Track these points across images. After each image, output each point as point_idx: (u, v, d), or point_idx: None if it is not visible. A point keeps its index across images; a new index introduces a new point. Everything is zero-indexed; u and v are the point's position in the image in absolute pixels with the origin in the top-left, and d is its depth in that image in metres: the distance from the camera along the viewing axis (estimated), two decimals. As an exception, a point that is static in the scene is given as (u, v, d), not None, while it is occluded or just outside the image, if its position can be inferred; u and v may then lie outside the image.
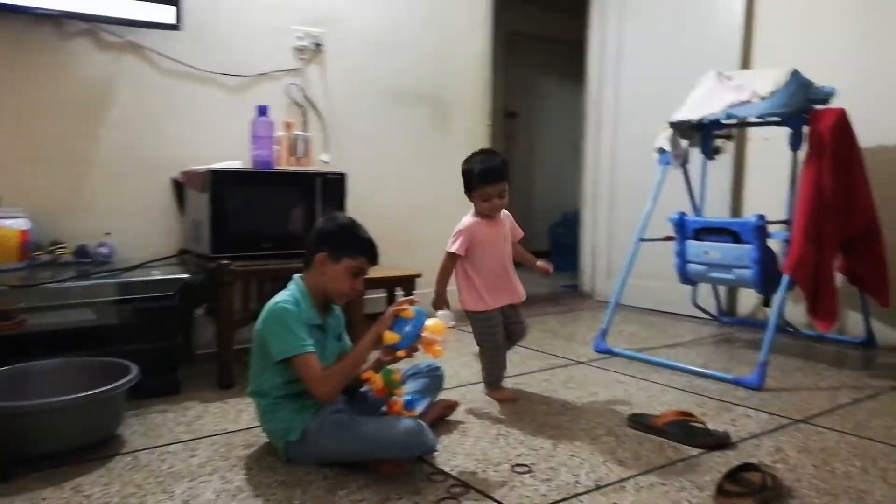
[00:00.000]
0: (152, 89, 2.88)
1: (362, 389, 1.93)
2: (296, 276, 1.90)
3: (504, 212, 2.32)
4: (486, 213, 2.26)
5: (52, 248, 2.56)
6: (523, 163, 6.25)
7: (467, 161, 2.28)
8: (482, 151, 2.34)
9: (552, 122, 6.51)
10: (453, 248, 2.26)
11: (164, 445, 1.93)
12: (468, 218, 2.30)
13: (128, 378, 1.93)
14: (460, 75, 3.85)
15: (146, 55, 2.85)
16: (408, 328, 1.79)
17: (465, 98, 3.89)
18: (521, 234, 2.39)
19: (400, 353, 1.82)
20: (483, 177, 2.21)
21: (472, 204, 2.31)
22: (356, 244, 1.86)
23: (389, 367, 1.85)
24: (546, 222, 6.10)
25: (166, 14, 2.75)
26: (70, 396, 1.79)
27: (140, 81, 2.85)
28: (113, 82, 2.80)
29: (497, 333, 2.33)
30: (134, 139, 2.85)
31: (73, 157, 2.74)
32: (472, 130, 3.93)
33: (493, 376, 2.39)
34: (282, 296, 1.83)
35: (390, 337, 1.78)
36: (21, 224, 2.43)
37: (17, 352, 2.09)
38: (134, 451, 1.88)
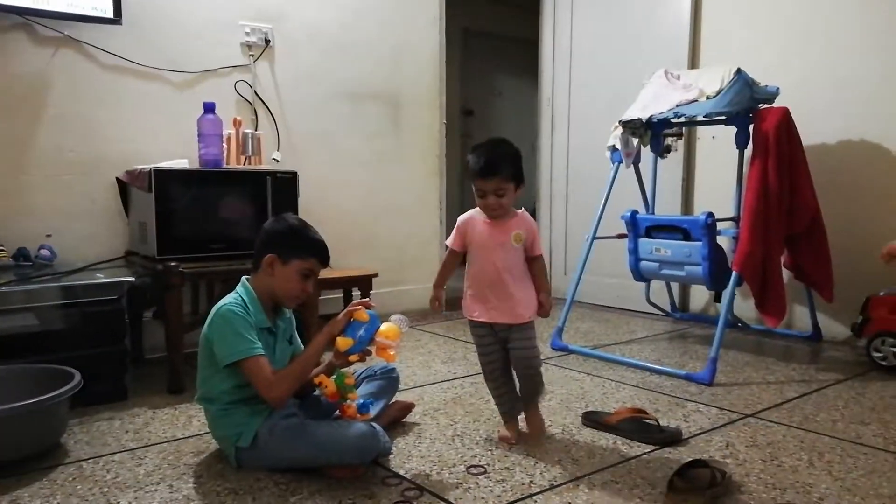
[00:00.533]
0: (93, 85, 2.78)
1: (315, 393, 1.90)
2: (244, 278, 1.86)
3: (529, 220, 1.96)
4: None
5: (-11, 251, 2.46)
6: (480, 160, 6.25)
7: (472, 148, 1.93)
8: (492, 141, 1.93)
9: (509, 120, 6.53)
10: (447, 241, 2.00)
11: (110, 454, 1.87)
12: (471, 210, 1.97)
13: (70, 386, 1.87)
14: (414, 73, 3.83)
15: (86, 50, 2.75)
16: (361, 332, 1.76)
17: (420, 96, 3.87)
18: (537, 251, 1.94)
19: (352, 358, 1.79)
20: (476, 169, 1.85)
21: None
22: (306, 245, 1.82)
23: (342, 370, 1.82)
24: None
25: (104, 7, 2.65)
26: (9, 406, 1.72)
27: (80, 77, 2.75)
28: (51, 78, 2.70)
29: (487, 354, 1.97)
30: (74, 137, 2.75)
31: (9, 157, 2.63)
32: (427, 129, 3.92)
33: (499, 406, 2.03)
34: (228, 299, 1.78)
35: (343, 342, 1.75)
36: (-46, 227, 2.33)
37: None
38: (78, 461, 1.82)
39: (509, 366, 1.99)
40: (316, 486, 1.65)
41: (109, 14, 2.67)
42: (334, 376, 1.80)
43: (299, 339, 1.99)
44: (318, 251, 1.84)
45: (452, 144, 4.44)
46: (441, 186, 3.99)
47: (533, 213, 5.00)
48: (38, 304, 2.25)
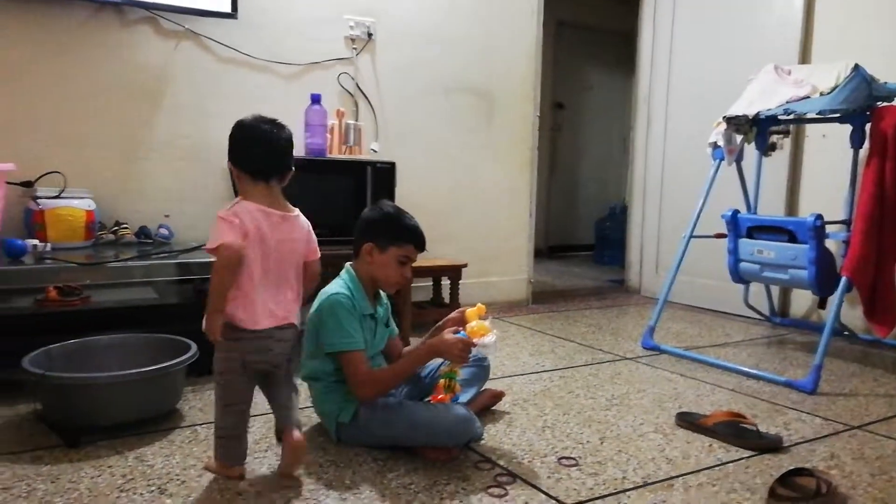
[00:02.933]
0: (208, 76, 2.95)
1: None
2: (347, 264, 1.92)
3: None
4: None
5: (116, 228, 2.65)
6: (569, 154, 6.20)
7: None
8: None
9: (599, 114, 6.44)
10: None
11: (220, 422, 1.98)
12: None
13: (187, 355, 2.00)
14: (509, 67, 3.83)
15: (203, 43, 2.92)
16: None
17: (514, 90, 3.87)
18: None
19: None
20: None
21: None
22: (402, 232, 1.86)
23: (454, 371, 1.87)
24: (592, 215, 6.04)
25: (222, 2, 2.81)
26: (134, 370, 1.87)
27: (197, 68, 2.92)
28: (172, 69, 2.87)
29: None
30: (189, 125, 2.92)
31: (133, 142, 2.83)
32: (520, 122, 3.91)
33: None
34: (335, 286, 1.85)
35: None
36: (87, 205, 2.53)
37: (82, 326, 2.18)
38: (193, 426, 1.95)
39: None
40: (412, 465, 1.70)
41: (227, 9, 2.82)
42: (447, 377, 1.85)
43: (394, 323, 2.06)
44: (413, 237, 1.87)
45: (542, 137, 4.43)
46: (532, 179, 3.98)
47: (623, 210, 4.97)
48: (157, 279, 2.42)
